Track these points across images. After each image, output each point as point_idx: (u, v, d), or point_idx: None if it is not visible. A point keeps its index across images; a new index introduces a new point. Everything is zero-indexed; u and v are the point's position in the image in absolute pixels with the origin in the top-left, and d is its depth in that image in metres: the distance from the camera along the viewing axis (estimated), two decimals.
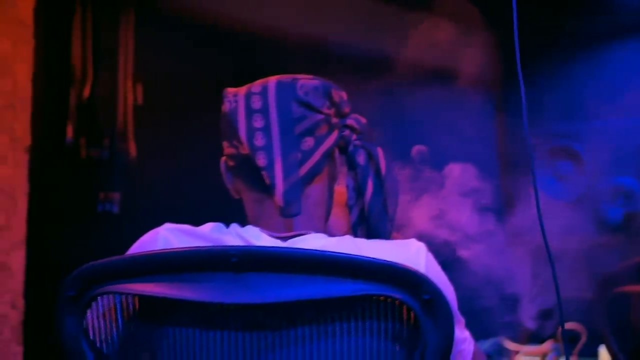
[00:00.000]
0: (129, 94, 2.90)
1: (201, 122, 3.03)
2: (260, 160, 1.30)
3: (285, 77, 1.36)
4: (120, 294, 1.19)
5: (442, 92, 2.79)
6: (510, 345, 2.70)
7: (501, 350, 2.72)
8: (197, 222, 1.48)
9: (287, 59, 3.13)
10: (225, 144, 1.37)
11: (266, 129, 1.32)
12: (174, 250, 1.22)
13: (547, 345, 2.71)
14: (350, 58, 3.28)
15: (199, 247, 1.22)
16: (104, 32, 2.86)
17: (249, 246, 1.25)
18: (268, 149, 1.31)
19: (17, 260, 2.50)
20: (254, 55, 3.12)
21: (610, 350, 2.26)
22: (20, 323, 2.49)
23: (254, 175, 1.33)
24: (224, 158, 1.39)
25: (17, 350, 2.48)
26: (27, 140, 2.57)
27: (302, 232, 1.31)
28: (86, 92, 2.81)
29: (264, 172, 1.31)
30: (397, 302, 1.14)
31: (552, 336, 2.74)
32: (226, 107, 1.35)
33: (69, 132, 2.76)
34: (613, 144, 3.31)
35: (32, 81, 2.59)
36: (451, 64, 2.32)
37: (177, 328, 1.18)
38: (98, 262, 1.18)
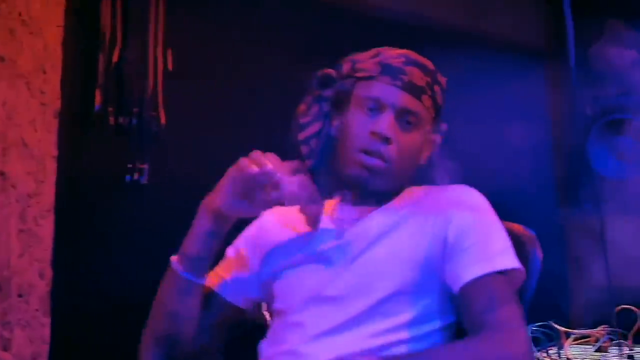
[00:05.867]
0: (160, 60, 2.98)
1: (234, 91, 3.11)
2: None
3: None
4: None
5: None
6: (561, 329, 2.75)
7: (551, 335, 2.78)
8: None
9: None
10: None
11: None
12: None
13: (601, 330, 2.76)
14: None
15: None
16: None
17: None
18: None
19: (46, 228, 2.57)
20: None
21: None
22: (47, 293, 2.57)
23: None
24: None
25: (45, 321, 2.57)
26: (56, 105, 2.63)
27: None
28: (115, 57, 2.89)
29: None
30: None
31: (606, 320, 2.79)
32: None
33: (97, 98, 2.85)
34: None
35: (62, 44, 2.66)
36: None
37: None
38: None
